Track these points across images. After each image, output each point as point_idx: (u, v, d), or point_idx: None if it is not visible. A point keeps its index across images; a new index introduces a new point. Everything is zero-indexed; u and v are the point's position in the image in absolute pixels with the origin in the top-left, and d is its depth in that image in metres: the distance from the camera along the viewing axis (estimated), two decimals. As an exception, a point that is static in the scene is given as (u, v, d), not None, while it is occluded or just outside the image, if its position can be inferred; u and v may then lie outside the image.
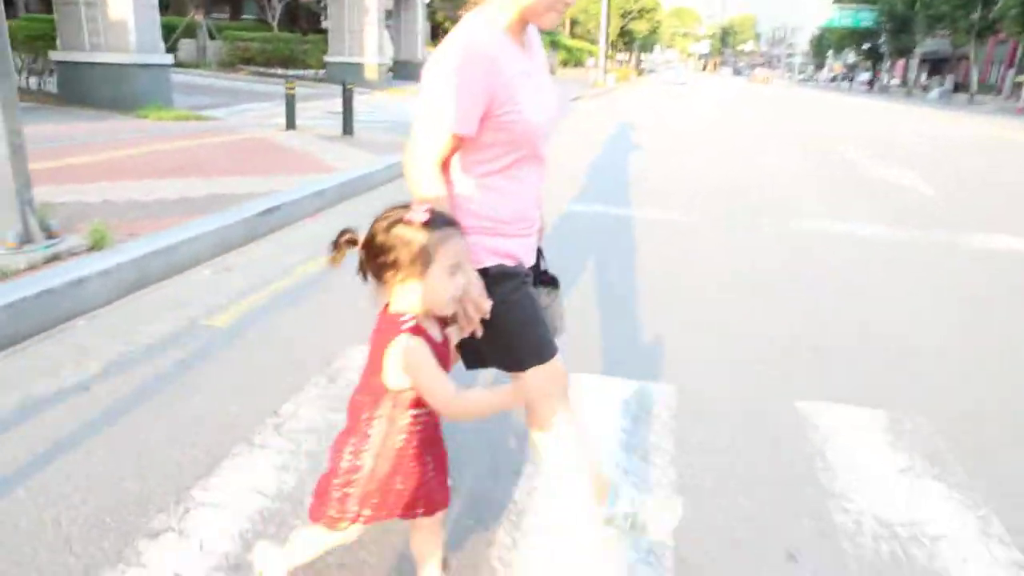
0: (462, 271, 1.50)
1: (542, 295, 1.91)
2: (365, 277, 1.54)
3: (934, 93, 44.35)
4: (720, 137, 14.16)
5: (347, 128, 9.93)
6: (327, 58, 22.24)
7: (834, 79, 76.23)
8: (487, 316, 1.63)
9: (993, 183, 10.11)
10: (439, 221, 1.47)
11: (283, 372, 3.01)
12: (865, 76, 66.05)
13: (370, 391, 1.54)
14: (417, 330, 1.48)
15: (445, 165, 1.68)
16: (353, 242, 1.52)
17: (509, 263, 1.75)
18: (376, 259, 1.48)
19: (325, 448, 2.39)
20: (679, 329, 3.74)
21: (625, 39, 48.20)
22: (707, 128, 16.48)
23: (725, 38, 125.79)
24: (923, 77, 55.25)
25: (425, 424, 1.56)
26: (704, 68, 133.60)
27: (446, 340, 1.60)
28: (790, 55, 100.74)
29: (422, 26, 26.96)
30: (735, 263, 5.09)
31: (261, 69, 23.06)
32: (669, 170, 9.33)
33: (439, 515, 1.68)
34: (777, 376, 3.24)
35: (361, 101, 18.54)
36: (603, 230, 5.80)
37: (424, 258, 1.44)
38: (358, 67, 21.63)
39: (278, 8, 27.52)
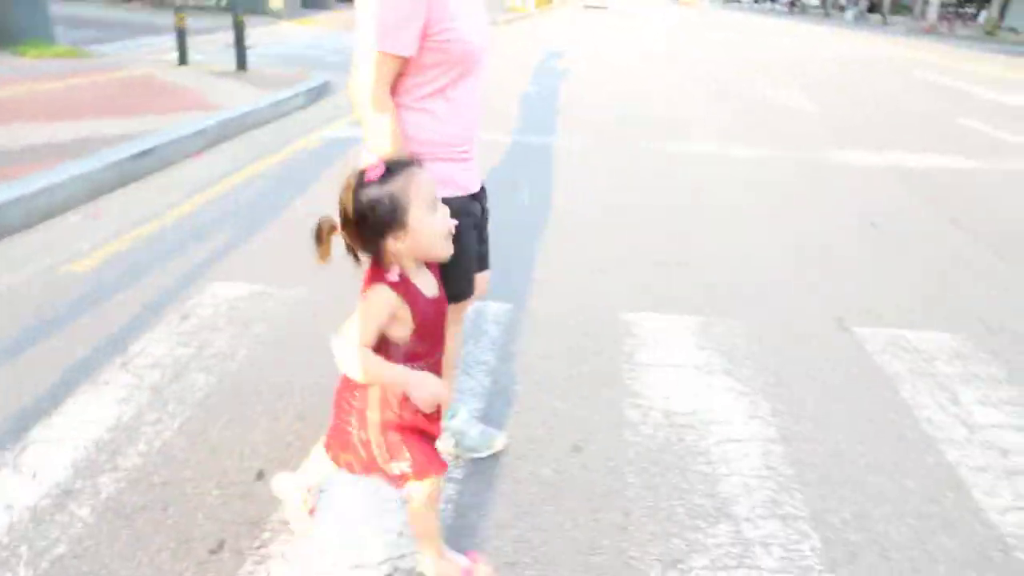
0: (439, 203, 1.49)
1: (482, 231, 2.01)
2: (357, 258, 1.50)
3: (849, 14, 45.06)
4: (634, 66, 14.26)
5: (241, 63, 9.63)
6: (227, -15, 21.07)
7: (758, 0, 76.26)
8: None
9: (876, 103, 10.61)
10: (397, 166, 1.44)
11: (138, 313, 3.11)
12: (787, -3, 66.37)
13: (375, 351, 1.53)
14: (399, 285, 1.47)
15: (393, 91, 1.71)
16: (335, 228, 1.46)
17: (460, 194, 1.81)
18: (361, 233, 1.44)
19: (169, 382, 2.56)
20: (534, 253, 3.98)
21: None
22: (623, 56, 16.53)
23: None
24: (842, -2, 55.95)
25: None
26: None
27: (442, 296, 1.59)
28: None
29: (329, -50, 25.67)
30: (613, 185, 5.34)
31: (159, -1, 21.70)
32: (573, 98, 9.45)
33: (440, 484, 1.70)
34: (612, 290, 3.53)
35: (265, 33, 17.82)
36: (493, 156, 5.95)
37: (400, 208, 1.41)
38: (263, -5, 20.63)
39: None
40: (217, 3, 21.77)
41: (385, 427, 1.56)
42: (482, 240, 2.03)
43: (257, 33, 17.44)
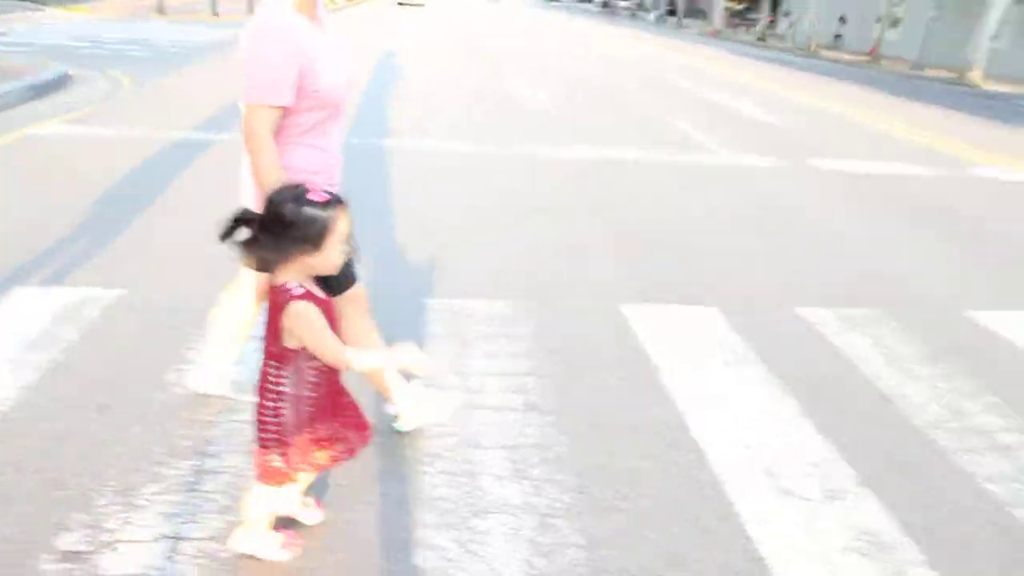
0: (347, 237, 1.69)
1: None
2: (258, 257, 1.63)
3: (651, 17, 48.54)
4: (427, 66, 14.39)
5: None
6: (-19, -36, 18.78)
7: (581, 0, 79.60)
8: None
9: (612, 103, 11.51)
10: (334, 199, 1.64)
11: None
12: (600, -2, 70.00)
13: (277, 357, 1.70)
14: (307, 295, 1.65)
15: (276, 135, 1.96)
16: (251, 223, 1.60)
17: None
18: (279, 237, 1.59)
19: None
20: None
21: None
22: (419, 51, 16.62)
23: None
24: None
25: (329, 371, 1.76)
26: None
27: (328, 296, 1.77)
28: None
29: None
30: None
31: None
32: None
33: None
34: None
35: (24, 19, 16.16)
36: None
37: (325, 233, 1.60)
38: (25, -24, 18.62)
39: None
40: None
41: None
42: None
43: (14, 19, 15.80)
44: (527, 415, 2.64)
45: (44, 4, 18.80)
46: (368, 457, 2.28)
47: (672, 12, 47.35)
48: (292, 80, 1.91)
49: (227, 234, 1.59)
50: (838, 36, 32.01)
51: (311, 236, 1.59)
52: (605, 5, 64.95)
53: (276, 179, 1.87)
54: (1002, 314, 3.93)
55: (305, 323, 1.63)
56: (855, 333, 3.53)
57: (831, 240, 5.06)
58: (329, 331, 1.65)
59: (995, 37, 21.83)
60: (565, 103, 10.50)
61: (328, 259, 1.64)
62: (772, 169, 7.14)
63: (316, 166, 2.08)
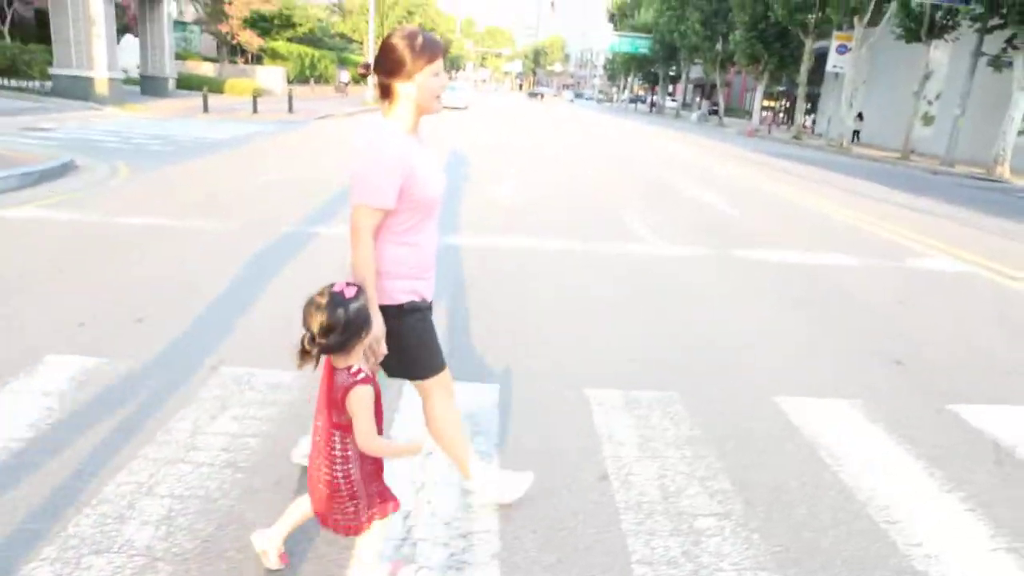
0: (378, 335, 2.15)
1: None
2: (318, 362, 1.99)
3: (694, 116, 49.67)
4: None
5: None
6: (53, 70, 21.06)
7: (633, 100, 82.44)
8: (380, 358, 2.26)
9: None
10: (360, 289, 2.04)
11: None
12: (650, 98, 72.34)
13: (342, 427, 2.02)
14: (367, 380, 2.00)
15: (377, 230, 2.27)
16: (314, 338, 1.93)
17: (416, 299, 2.39)
18: (342, 336, 1.94)
19: None
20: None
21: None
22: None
23: (537, 58, 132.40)
24: (697, 99, 61.57)
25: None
26: (520, 87, 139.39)
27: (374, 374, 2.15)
28: (594, 76, 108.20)
29: (169, 43, 26.30)
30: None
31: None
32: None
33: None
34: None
35: (77, 117, 17.87)
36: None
37: (367, 322, 2.03)
38: (88, 81, 20.74)
39: (8, 13, 25.54)
40: (43, 87, 21.64)
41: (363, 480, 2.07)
42: None
43: (71, 117, 17.52)
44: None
45: (104, 104, 20.63)
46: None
47: (715, 111, 48.44)
48: (395, 188, 2.22)
49: (301, 357, 1.94)
50: (856, 132, 32.18)
51: (363, 325, 2.00)
52: (652, 106, 67.08)
53: (368, 272, 2.23)
54: (806, 400, 3.86)
55: (363, 405, 1.97)
56: (624, 413, 3.53)
57: (691, 322, 5.06)
58: (372, 416, 2.00)
59: (1023, 132, 21.54)
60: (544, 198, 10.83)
61: (372, 337, 2.08)
62: (697, 259, 7.20)
63: (412, 260, 2.36)
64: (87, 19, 20.28)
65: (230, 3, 30.79)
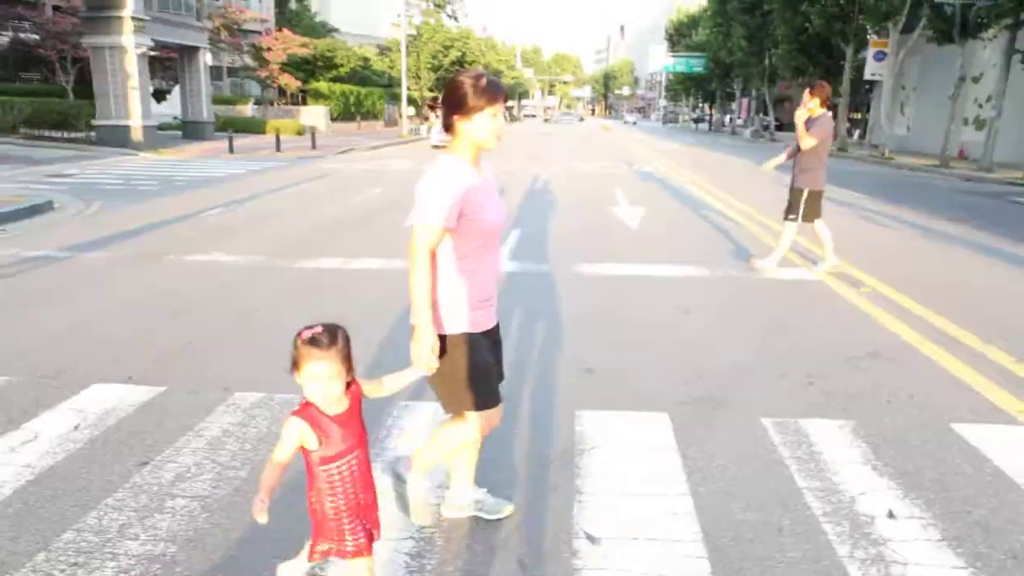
0: (328, 383, 1.96)
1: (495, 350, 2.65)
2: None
3: (747, 133, 48.66)
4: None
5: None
6: (96, 121, 23.16)
7: (697, 120, 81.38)
8: (431, 372, 2.38)
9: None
10: (313, 340, 1.94)
11: None
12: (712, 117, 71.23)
13: (307, 463, 2.04)
14: (301, 412, 1.98)
15: (434, 254, 2.37)
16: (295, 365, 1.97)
17: (474, 330, 2.47)
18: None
19: None
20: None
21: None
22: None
23: (607, 83, 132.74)
24: (762, 116, 60.15)
25: (341, 472, 2.04)
26: (592, 112, 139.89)
27: (348, 409, 2.05)
28: (661, 98, 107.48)
29: (206, 89, 28.33)
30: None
31: (29, 131, 23.80)
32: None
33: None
34: None
35: (107, 163, 19.53)
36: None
37: (297, 362, 1.95)
38: (125, 129, 22.67)
39: (72, 71, 28.22)
40: (87, 137, 23.72)
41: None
42: (498, 366, 2.68)
43: (98, 163, 19.22)
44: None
45: (139, 150, 22.42)
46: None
47: (767, 127, 47.38)
48: (455, 208, 2.34)
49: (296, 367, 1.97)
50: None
51: (293, 361, 1.96)
52: (711, 124, 66.11)
53: (423, 291, 2.34)
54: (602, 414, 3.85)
55: (284, 432, 1.98)
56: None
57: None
58: (284, 447, 1.98)
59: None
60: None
61: (304, 384, 1.97)
62: (541, 273, 7.30)
63: (472, 287, 2.45)
64: (123, 73, 22.25)
65: (269, 49, 32.81)
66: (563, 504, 2.95)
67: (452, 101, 2.41)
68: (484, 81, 2.40)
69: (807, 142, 6.95)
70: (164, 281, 6.73)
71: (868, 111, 39.67)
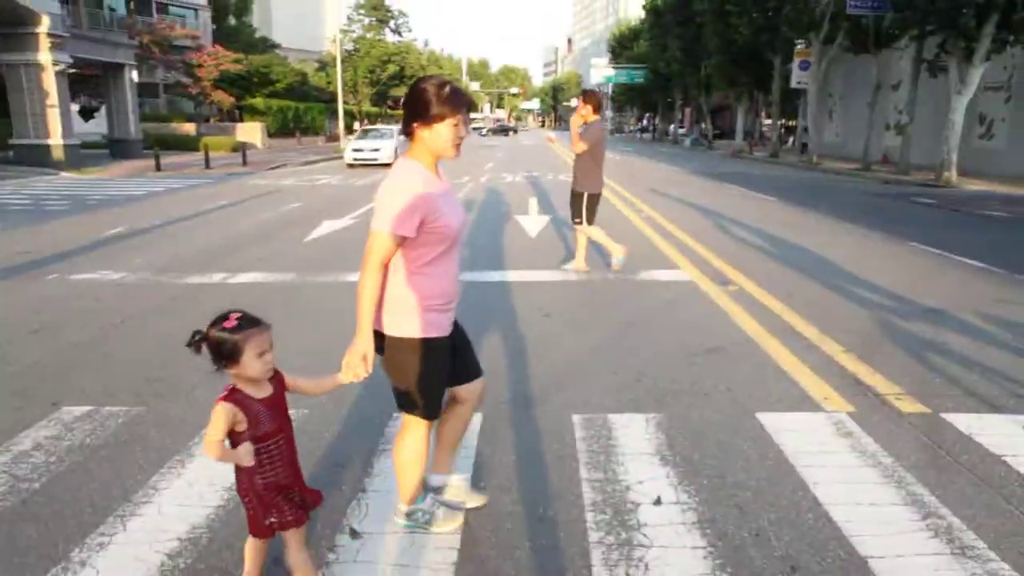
0: (269, 353, 2.11)
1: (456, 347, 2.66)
2: (218, 367, 2.11)
3: (687, 142, 49.68)
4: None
5: None
6: (13, 140, 22.50)
7: (642, 130, 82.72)
8: (360, 378, 2.34)
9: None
10: (246, 322, 2.06)
11: None
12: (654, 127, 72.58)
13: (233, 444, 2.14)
14: (229, 396, 2.09)
15: (387, 263, 2.37)
16: (200, 342, 2.07)
17: (436, 335, 2.47)
18: (212, 353, 2.07)
19: None
20: None
21: (388, 102, 50.92)
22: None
23: (556, 95, 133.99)
24: (701, 126, 61.40)
25: (269, 451, 2.17)
26: (543, 125, 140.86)
27: (274, 394, 2.18)
28: (606, 109, 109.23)
29: (133, 106, 27.78)
30: None
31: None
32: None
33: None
34: None
35: (18, 184, 18.94)
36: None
37: (237, 351, 2.04)
38: (46, 148, 22.06)
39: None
40: (5, 156, 22.99)
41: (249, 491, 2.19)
42: (467, 357, 2.74)
43: (15, 184, 18.64)
44: None
45: (60, 169, 21.79)
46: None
47: (706, 136, 48.53)
48: (415, 217, 2.33)
49: (190, 344, 2.07)
50: (804, 145, 32.17)
51: (224, 354, 2.05)
52: (654, 134, 67.28)
53: (370, 298, 2.34)
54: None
55: (214, 417, 2.07)
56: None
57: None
58: (216, 430, 2.06)
59: (968, 136, 21.02)
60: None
61: (246, 371, 2.07)
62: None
63: (434, 291, 2.46)
64: (41, 91, 21.67)
65: (200, 66, 32.35)
66: (344, 504, 2.98)
67: (413, 108, 2.40)
68: (448, 89, 2.39)
69: (579, 147, 7.23)
70: (38, 299, 6.58)
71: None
